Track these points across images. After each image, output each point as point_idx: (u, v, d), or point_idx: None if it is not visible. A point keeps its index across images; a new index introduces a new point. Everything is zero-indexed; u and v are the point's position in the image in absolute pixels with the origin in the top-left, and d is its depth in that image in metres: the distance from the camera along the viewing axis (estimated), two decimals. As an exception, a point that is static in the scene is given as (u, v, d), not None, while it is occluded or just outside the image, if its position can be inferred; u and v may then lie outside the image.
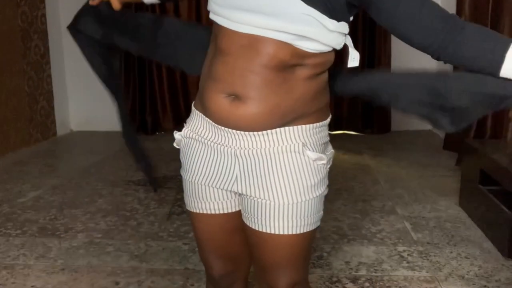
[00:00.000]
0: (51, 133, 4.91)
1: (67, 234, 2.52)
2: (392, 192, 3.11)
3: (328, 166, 1.10)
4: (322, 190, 1.08)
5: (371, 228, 2.55)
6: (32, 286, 2.01)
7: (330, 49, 0.99)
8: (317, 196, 1.07)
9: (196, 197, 1.15)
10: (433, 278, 2.04)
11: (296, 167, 1.03)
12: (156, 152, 4.29)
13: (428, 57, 0.98)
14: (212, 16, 1.03)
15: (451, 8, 4.07)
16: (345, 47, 1.01)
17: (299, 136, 1.03)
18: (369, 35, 4.62)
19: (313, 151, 1.05)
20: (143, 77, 5.00)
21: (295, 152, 1.03)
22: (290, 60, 0.97)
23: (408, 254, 2.25)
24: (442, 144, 4.14)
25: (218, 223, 1.17)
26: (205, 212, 1.15)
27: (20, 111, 4.40)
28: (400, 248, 2.31)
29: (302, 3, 0.91)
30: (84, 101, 5.13)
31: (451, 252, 2.28)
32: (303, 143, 1.03)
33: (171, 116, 5.07)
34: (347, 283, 2.02)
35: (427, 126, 4.95)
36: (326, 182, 1.10)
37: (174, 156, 4.43)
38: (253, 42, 0.96)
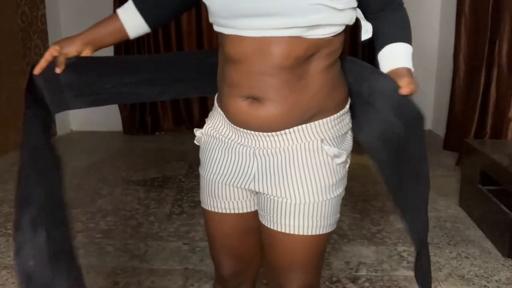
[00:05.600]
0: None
1: (67, 234, 2.52)
2: (392, 192, 3.10)
3: (347, 166, 1.08)
4: (340, 191, 1.07)
5: (371, 228, 2.55)
6: (32, 286, 2.01)
7: (343, 27, 0.98)
8: (335, 197, 1.05)
9: (212, 196, 1.14)
10: (433, 278, 2.04)
11: (315, 166, 1.02)
12: (156, 152, 4.29)
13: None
14: (217, 29, 1.00)
15: (451, 8, 4.06)
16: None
17: (317, 132, 1.02)
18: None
19: (332, 145, 1.03)
20: (143, 77, 4.99)
21: (313, 150, 1.02)
22: (305, 54, 0.95)
23: (408, 254, 2.25)
24: (442, 144, 4.14)
25: (233, 223, 1.16)
26: (220, 211, 1.15)
27: (20, 111, 4.37)
28: (400, 248, 2.31)
29: None
30: (84, 101, 5.12)
31: (451, 252, 2.28)
32: (321, 138, 1.02)
33: (171, 116, 5.07)
34: (347, 283, 2.02)
35: (427, 126, 4.95)
36: (345, 183, 1.08)
37: (174, 156, 4.37)
38: (263, 45, 0.93)
